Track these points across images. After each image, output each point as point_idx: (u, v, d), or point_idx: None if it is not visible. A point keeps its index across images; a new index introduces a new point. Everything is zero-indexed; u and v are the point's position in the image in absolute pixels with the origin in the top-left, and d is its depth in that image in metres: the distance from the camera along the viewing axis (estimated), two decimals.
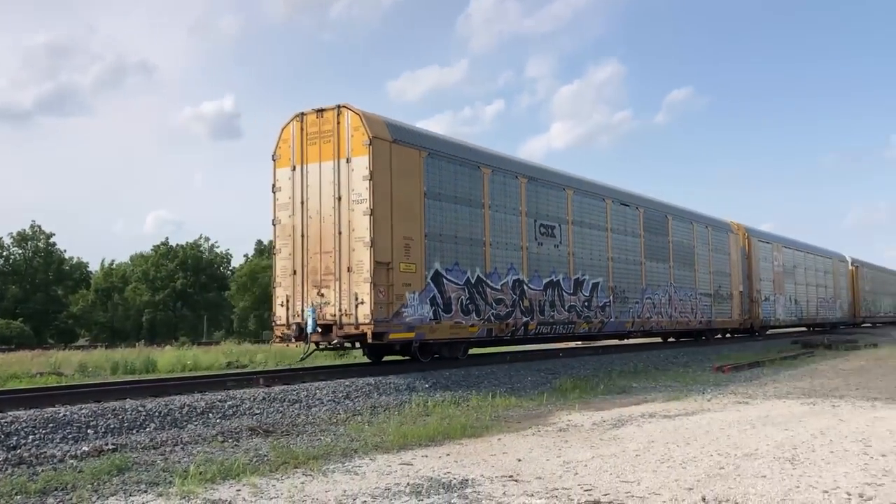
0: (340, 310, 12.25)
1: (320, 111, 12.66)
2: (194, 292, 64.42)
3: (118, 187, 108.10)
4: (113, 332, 59.58)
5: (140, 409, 9.08)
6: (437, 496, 5.93)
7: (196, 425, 9.10)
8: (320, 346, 12.93)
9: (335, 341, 12.29)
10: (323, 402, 10.83)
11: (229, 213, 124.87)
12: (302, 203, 12.79)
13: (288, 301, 12.84)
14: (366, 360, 15.21)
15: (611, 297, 18.82)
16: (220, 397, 10.13)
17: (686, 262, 23.32)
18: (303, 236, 12.75)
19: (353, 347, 13.43)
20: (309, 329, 12.21)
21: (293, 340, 12.58)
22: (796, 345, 26.62)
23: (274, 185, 13.16)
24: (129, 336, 52.92)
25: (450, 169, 13.79)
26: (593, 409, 11.09)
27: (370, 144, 12.12)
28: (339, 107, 12.49)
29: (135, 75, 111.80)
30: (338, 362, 17.44)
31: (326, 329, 12.30)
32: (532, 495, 5.95)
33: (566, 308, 17.02)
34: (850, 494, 5.64)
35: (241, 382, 11.81)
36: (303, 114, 12.84)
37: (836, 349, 24.86)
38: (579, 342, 21.91)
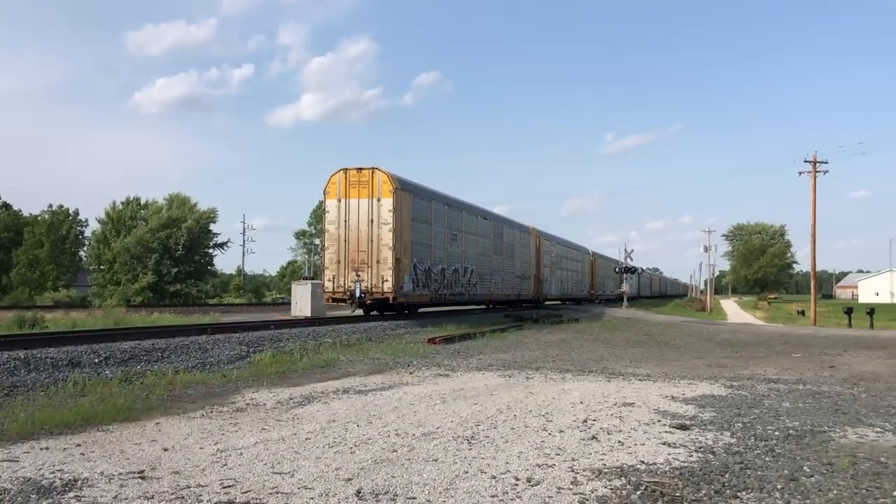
0: (371, 284, 21.80)
1: (359, 169, 22.17)
2: None
3: None
4: None
5: None
6: None
7: None
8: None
9: (368, 301, 22.29)
10: None
11: None
12: (345, 221, 22.18)
13: (334, 278, 22.28)
14: None
15: (478, 279, 29.08)
16: None
17: (509, 255, 33.82)
18: (345, 241, 22.15)
19: (375, 305, 23.13)
20: (357, 294, 21.72)
21: (346, 301, 22.35)
22: (509, 318, 27.77)
23: (324, 209, 22.74)
24: None
25: (420, 203, 23.55)
26: (286, 386, 10.06)
27: (393, 192, 21.78)
28: (373, 168, 22.08)
29: None
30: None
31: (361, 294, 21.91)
32: (151, 497, 4.70)
33: (460, 285, 26.91)
34: (518, 479, 5.11)
35: None
36: (346, 169, 22.25)
37: (543, 323, 26.28)
38: (461, 305, 31.04)
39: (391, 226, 22.00)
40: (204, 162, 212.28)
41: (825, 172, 43.59)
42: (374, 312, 24.01)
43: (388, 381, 10.61)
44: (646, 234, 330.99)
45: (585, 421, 7.39)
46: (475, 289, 29.04)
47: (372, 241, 22.19)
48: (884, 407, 8.62)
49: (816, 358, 15.37)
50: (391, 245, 21.95)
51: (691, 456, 5.90)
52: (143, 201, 61.49)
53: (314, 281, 35.64)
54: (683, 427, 7.06)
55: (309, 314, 31.72)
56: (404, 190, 22.87)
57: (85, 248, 69.14)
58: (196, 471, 5.39)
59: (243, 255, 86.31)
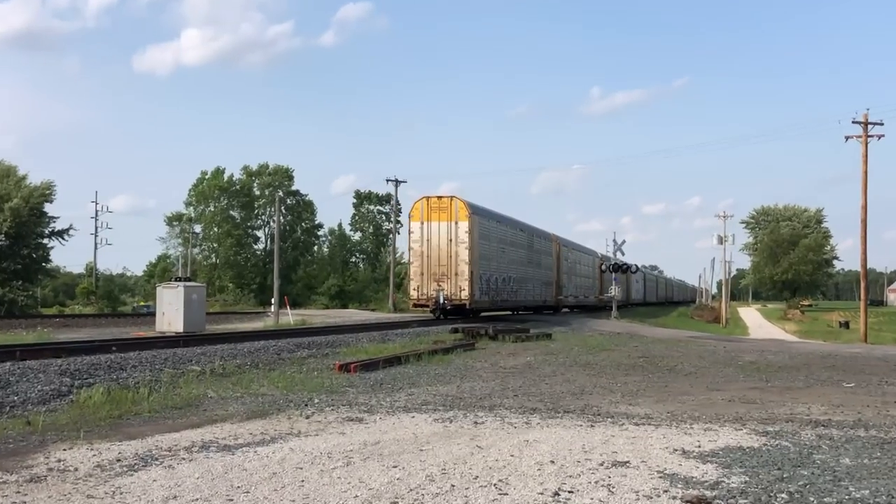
0: (451, 293, 36.03)
1: (440, 197, 37.11)
2: None
3: None
4: None
5: None
6: None
7: None
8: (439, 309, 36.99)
9: (449, 307, 36.47)
10: None
11: None
12: (427, 240, 36.25)
13: (418, 288, 36.63)
14: None
15: (518, 286, 43.19)
16: None
17: (537, 263, 48.26)
18: (428, 257, 36.28)
19: (453, 310, 36.99)
20: (440, 301, 35.80)
21: (428, 308, 37.00)
22: (457, 334, 27.25)
23: (410, 230, 37.41)
24: None
25: (483, 222, 38.24)
26: (119, 438, 9.22)
27: (469, 216, 36.44)
28: (451, 197, 37.14)
29: None
30: None
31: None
32: None
33: (506, 292, 40.72)
34: None
35: None
36: (428, 197, 37.11)
37: (503, 340, 25.79)
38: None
39: (467, 244, 36.40)
40: (44, 121, 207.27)
41: (880, 138, 43.96)
42: (451, 316, 37.88)
43: (272, 429, 9.88)
44: (641, 221, 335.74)
45: (557, 494, 6.68)
46: (516, 296, 43.74)
47: (451, 257, 36.54)
48: None
49: (876, 389, 15.10)
50: (468, 260, 36.34)
51: None
52: None
53: (190, 283, 34.58)
54: (703, 502, 6.39)
55: (181, 329, 30.75)
56: (475, 214, 37.82)
57: None
58: None
59: (95, 248, 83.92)
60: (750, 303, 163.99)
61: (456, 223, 36.32)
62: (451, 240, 36.24)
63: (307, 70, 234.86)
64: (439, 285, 36.35)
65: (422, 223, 36.85)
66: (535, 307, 47.81)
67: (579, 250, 62.66)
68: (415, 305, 38.29)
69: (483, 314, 41.35)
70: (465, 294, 36.06)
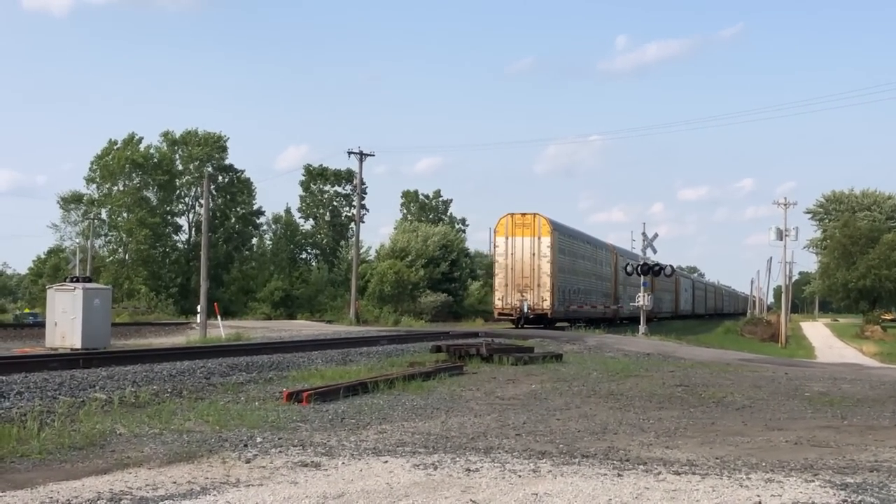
0: (534, 303, 54.65)
1: (524, 214, 55.99)
2: None
3: None
4: None
5: None
6: None
7: None
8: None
9: (531, 316, 54.39)
10: None
11: None
12: (511, 254, 55.52)
13: (502, 298, 55.59)
14: None
15: (585, 297, 62.32)
16: None
17: (600, 275, 66.36)
18: (512, 269, 55.31)
19: (535, 319, 55.38)
20: (524, 310, 53.88)
21: (512, 316, 54.99)
22: (440, 353, 27.40)
23: (495, 244, 57.92)
24: None
25: (563, 238, 58.97)
26: (1, 488, 9.17)
27: (550, 232, 55.48)
28: (534, 214, 55.92)
29: None
30: None
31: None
32: None
33: (576, 303, 60.10)
34: None
35: None
36: (512, 214, 56.15)
37: (500, 362, 25.81)
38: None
39: (549, 258, 51.99)
40: None
41: None
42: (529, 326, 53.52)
43: (202, 477, 10.01)
44: (676, 210, 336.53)
45: None
46: (583, 306, 60.09)
47: (534, 269, 52.21)
48: None
49: None
50: (549, 273, 52.05)
51: None
52: None
53: (91, 285, 34.50)
54: None
55: (79, 344, 30.69)
56: (556, 230, 53.24)
57: None
58: None
59: None
60: (816, 316, 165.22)
61: (539, 238, 53.70)
62: (533, 254, 53.76)
63: (246, 9, 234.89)
64: (522, 295, 53.23)
65: (506, 238, 54.76)
66: (596, 319, 60.45)
67: (630, 258, 68.62)
68: (499, 314, 55.58)
69: (557, 324, 55.41)
70: (546, 304, 53.17)
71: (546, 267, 52.13)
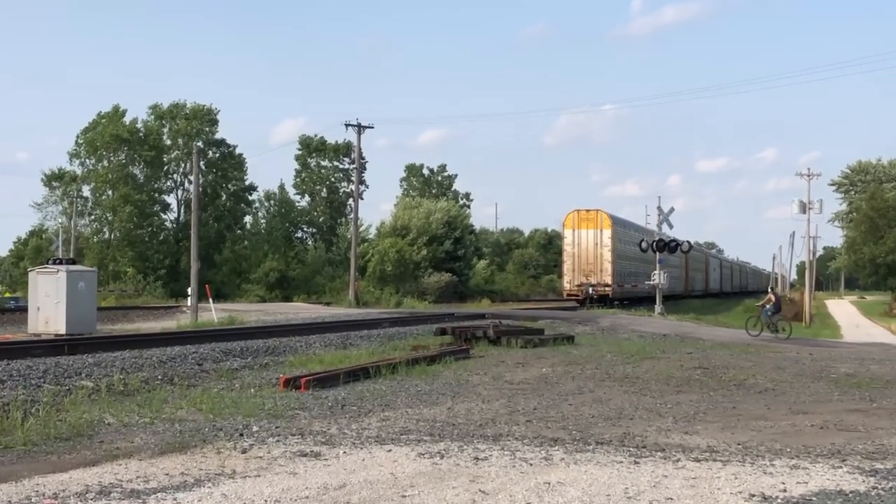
0: (597, 285, 72.30)
1: (588, 210, 75.47)
2: None
3: None
4: None
5: None
6: None
7: None
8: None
9: (595, 297, 70.25)
10: None
11: None
12: (577, 244, 74.69)
13: (570, 281, 74.80)
14: None
15: (634, 279, 76.52)
16: None
17: (644, 259, 70.67)
18: (578, 257, 74.47)
19: (598, 298, 71.33)
20: (589, 292, 71.26)
21: (578, 297, 71.68)
22: (445, 336, 27.38)
23: (563, 236, 77.86)
24: None
25: (620, 230, 77.43)
26: None
27: (611, 226, 74.91)
28: (597, 210, 75.54)
29: None
30: None
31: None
32: None
33: (629, 284, 76.25)
34: None
35: None
36: (578, 210, 75.56)
37: (508, 345, 25.82)
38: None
39: (610, 247, 69.78)
40: None
41: None
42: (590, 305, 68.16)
43: (196, 468, 10.11)
44: (693, 182, 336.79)
45: None
46: (634, 288, 72.30)
47: (597, 257, 69.95)
48: None
49: None
50: (610, 260, 69.69)
51: None
52: None
53: (76, 267, 34.53)
54: None
55: (63, 330, 30.71)
56: (615, 224, 71.83)
57: None
58: None
59: None
60: (842, 293, 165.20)
61: (601, 230, 70.18)
62: (596, 244, 69.91)
63: None
64: (587, 279, 69.12)
65: (573, 230, 71.56)
66: (642, 297, 71.86)
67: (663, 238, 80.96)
68: (568, 295, 72.04)
69: (615, 302, 67.38)
70: (608, 287, 68.56)
71: (608, 255, 68.73)
